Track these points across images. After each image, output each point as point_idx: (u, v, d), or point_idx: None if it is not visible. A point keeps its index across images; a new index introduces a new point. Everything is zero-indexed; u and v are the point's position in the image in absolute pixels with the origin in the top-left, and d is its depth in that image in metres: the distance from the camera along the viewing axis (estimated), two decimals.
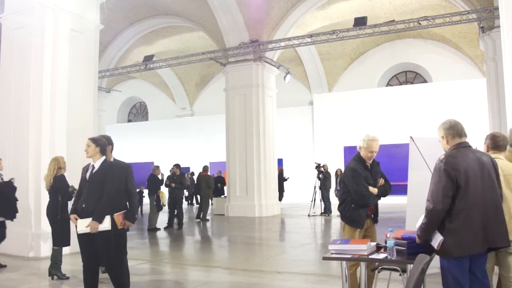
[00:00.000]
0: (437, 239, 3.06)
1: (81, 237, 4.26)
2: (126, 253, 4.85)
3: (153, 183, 11.75)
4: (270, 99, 15.54)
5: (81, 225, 4.21)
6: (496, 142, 3.67)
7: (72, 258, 6.99)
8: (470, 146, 3.21)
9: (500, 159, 3.59)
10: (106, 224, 4.22)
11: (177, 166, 12.09)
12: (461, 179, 3.01)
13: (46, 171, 6.08)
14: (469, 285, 3.05)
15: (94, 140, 4.38)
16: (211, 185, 13.91)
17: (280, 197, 16.87)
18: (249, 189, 14.49)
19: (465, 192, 3.01)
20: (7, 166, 8.04)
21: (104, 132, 16.03)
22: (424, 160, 4.96)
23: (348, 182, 4.31)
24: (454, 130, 3.21)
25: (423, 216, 3.15)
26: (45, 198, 7.04)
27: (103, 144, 4.40)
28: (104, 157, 4.38)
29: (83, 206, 4.29)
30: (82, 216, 4.25)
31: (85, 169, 4.43)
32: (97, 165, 4.32)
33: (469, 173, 3.04)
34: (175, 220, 11.90)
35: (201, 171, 14.38)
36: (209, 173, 14.49)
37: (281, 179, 16.97)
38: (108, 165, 4.35)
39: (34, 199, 7.63)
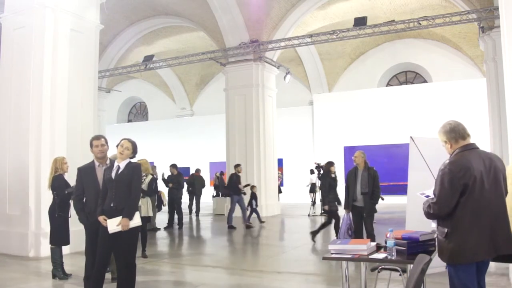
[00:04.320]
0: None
1: (107, 236, 4.22)
2: None
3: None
4: (270, 99, 15.54)
5: (112, 225, 4.18)
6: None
7: (72, 258, 7.00)
8: (476, 147, 3.07)
9: None
10: (136, 220, 4.26)
11: (174, 166, 12.08)
12: (465, 185, 2.90)
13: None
14: None
15: (134, 146, 4.46)
16: (204, 184, 14.64)
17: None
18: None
19: (470, 198, 2.90)
20: (7, 166, 8.06)
21: (105, 132, 16.03)
22: (424, 160, 4.96)
23: None
24: (455, 133, 3.06)
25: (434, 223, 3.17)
26: (45, 198, 7.08)
27: (136, 151, 4.50)
28: (129, 160, 4.45)
29: (112, 205, 4.28)
30: (112, 215, 4.24)
31: (109, 169, 4.44)
32: (122, 165, 4.37)
33: (475, 177, 2.91)
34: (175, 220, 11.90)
35: (193, 172, 14.58)
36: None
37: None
38: (133, 166, 4.43)
39: (34, 199, 7.62)
